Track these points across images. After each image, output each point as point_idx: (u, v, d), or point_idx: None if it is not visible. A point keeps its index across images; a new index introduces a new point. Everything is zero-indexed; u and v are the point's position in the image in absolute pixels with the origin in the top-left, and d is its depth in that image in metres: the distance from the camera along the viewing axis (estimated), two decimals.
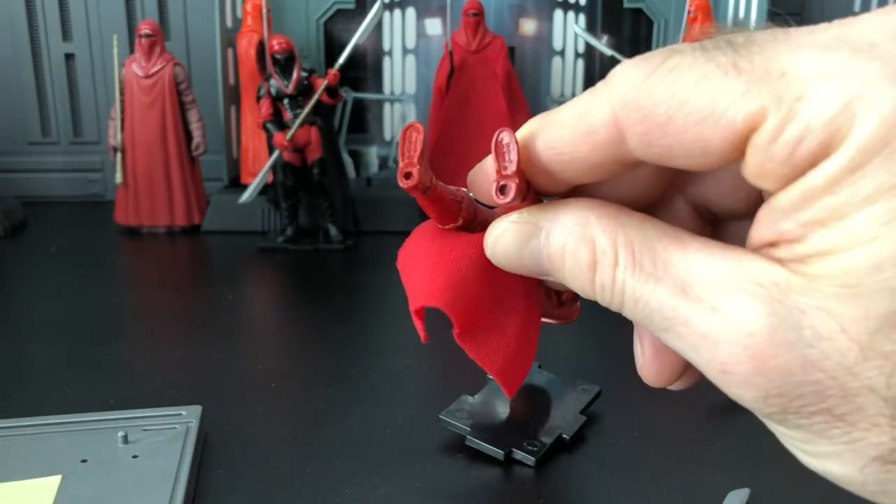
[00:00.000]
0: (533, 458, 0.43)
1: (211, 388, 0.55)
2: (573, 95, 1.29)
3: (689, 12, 1.09)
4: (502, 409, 0.48)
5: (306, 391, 0.55)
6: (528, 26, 1.29)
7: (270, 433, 0.48)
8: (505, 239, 0.19)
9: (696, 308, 0.15)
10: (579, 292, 0.18)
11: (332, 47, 1.22)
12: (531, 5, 1.28)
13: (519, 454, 0.44)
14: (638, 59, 0.16)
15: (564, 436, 0.46)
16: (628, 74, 0.16)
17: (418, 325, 0.22)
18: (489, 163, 0.19)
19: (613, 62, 1.10)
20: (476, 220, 0.22)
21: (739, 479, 0.41)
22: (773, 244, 0.15)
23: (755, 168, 0.15)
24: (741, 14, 1.20)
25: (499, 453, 0.44)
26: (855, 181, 0.13)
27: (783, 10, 1.27)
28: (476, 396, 0.49)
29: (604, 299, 0.18)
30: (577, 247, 0.18)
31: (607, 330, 0.63)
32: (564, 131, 0.17)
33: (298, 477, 0.43)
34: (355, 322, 0.70)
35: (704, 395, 0.51)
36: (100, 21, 1.20)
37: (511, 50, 1.21)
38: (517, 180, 0.18)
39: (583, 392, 0.50)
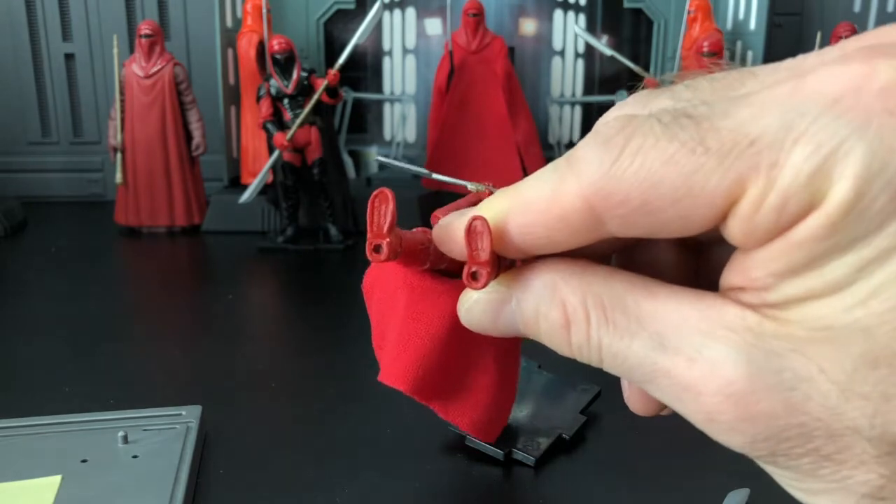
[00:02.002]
0: (533, 458, 0.43)
1: (211, 388, 0.55)
2: (573, 95, 1.29)
3: (689, 12, 1.09)
4: None
5: (306, 391, 0.55)
6: (528, 26, 1.29)
7: (270, 433, 0.48)
8: (477, 310, 0.19)
9: (674, 360, 0.16)
10: (558, 352, 0.18)
11: (332, 47, 1.23)
12: (531, 5, 1.28)
13: (519, 454, 0.44)
14: (598, 139, 0.16)
15: (564, 436, 0.46)
16: (592, 159, 0.16)
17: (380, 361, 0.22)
18: (456, 226, 0.19)
19: (613, 62, 1.10)
20: (444, 259, 0.22)
21: (739, 479, 0.41)
22: (741, 289, 0.16)
23: (739, 234, 0.15)
24: (741, 14, 1.20)
25: (499, 453, 0.44)
26: (832, 235, 0.14)
27: (783, 10, 1.27)
28: None
29: (582, 357, 0.18)
30: (548, 310, 0.18)
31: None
32: (537, 217, 0.17)
33: (298, 477, 0.43)
34: (355, 322, 0.70)
35: None
36: (100, 21, 1.20)
37: (511, 50, 1.21)
38: (488, 268, 0.18)
39: (583, 392, 0.50)
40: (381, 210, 0.19)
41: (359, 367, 0.59)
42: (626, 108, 0.17)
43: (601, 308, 0.17)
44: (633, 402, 0.21)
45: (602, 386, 0.50)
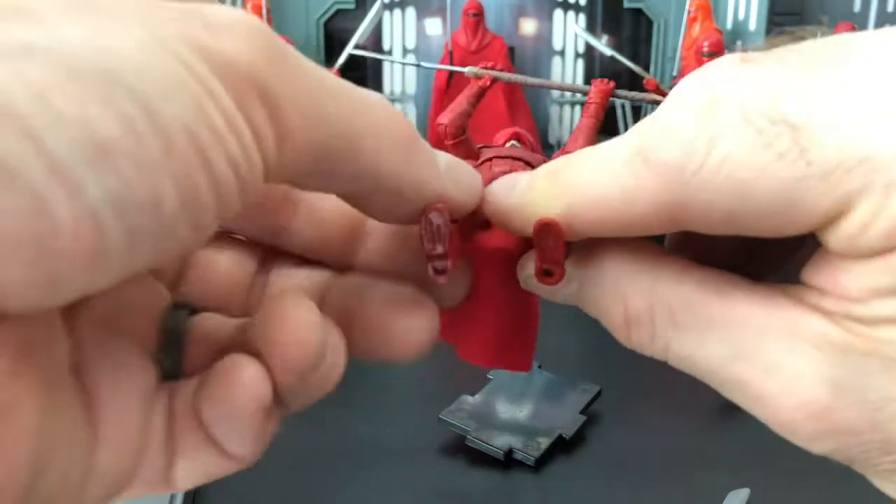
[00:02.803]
0: (533, 458, 0.43)
1: None
2: (573, 95, 1.29)
3: (689, 12, 1.09)
4: (502, 409, 0.48)
5: None
6: (528, 26, 1.29)
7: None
8: (533, 284, 0.19)
9: (749, 369, 0.15)
10: (622, 343, 0.18)
11: (333, 47, 1.23)
12: (531, 5, 1.28)
13: (519, 454, 0.44)
14: (676, 138, 0.14)
15: (564, 436, 0.46)
16: (672, 165, 0.14)
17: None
18: (514, 213, 0.18)
19: (614, 62, 1.10)
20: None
21: (739, 479, 0.41)
22: (823, 291, 0.15)
23: (839, 248, 0.14)
24: (741, 14, 1.20)
25: (499, 453, 0.44)
26: None
27: (783, 10, 1.27)
28: (476, 396, 0.49)
29: (644, 353, 0.17)
30: (609, 305, 0.17)
31: (607, 330, 0.63)
32: (606, 216, 0.16)
33: (298, 477, 0.43)
34: None
35: (704, 396, 0.50)
36: None
37: (511, 50, 1.21)
38: (562, 267, 0.17)
39: (583, 392, 0.50)
40: (435, 229, 0.17)
41: (359, 367, 0.59)
42: (709, 74, 0.15)
43: (668, 310, 0.16)
44: None
45: (602, 386, 0.50)
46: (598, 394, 0.50)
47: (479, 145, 0.24)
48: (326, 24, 1.23)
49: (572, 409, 0.48)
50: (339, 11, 1.23)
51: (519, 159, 0.23)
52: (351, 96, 0.14)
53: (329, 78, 0.14)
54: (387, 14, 1.25)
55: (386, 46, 1.27)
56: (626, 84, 1.35)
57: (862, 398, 0.14)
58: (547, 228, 0.17)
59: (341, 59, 0.93)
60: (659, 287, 0.16)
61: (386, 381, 0.56)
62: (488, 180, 0.20)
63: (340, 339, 0.17)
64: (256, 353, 0.16)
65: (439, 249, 0.17)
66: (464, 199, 0.18)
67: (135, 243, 0.11)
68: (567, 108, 1.31)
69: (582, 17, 1.27)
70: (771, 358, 0.15)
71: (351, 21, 1.22)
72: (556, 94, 1.29)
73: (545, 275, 0.17)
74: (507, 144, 0.26)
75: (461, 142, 0.24)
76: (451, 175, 0.17)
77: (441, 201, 0.17)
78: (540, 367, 0.52)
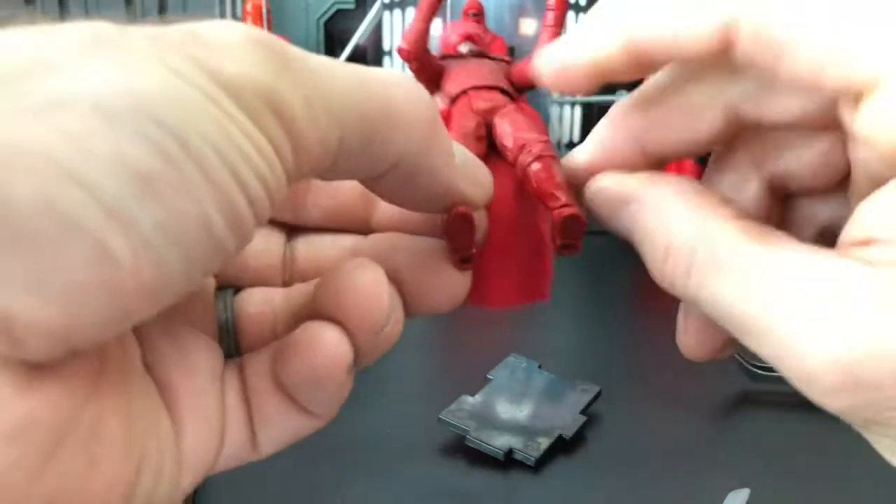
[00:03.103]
0: (533, 458, 0.43)
1: None
2: (573, 95, 1.29)
3: None
4: (502, 409, 0.48)
5: None
6: (528, 26, 1.29)
7: None
8: (602, 196, 0.19)
9: (781, 318, 0.15)
10: (651, 275, 0.18)
11: (333, 47, 1.23)
12: (531, 5, 1.28)
13: (519, 454, 0.44)
14: None
15: (564, 436, 0.46)
16: None
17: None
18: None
19: None
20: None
21: (739, 479, 0.41)
22: (866, 243, 0.15)
23: (865, 129, 0.14)
24: None
25: (499, 453, 0.44)
26: None
27: None
28: (476, 396, 0.49)
29: (675, 292, 0.17)
30: (656, 231, 0.17)
31: (607, 330, 0.63)
32: (662, 23, 0.16)
33: (298, 478, 0.43)
34: None
35: (704, 395, 0.50)
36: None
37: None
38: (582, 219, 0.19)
39: (583, 392, 0.50)
40: (466, 228, 0.18)
41: None
42: None
43: (711, 247, 0.16)
44: (686, 343, 0.20)
45: (602, 386, 0.50)
46: (598, 394, 0.50)
47: (439, 57, 0.24)
48: (326, 23, 1.23)
49: (572, 409, 0.48)
50: (339, 11, 1.23)
51: (495, 87, 0.23)
52: (363, 86, 0.15)
53: (338, 71, 0.14)
54: (387, 14, 1.25)
55: (386, 46, 1.27)
56: (627, 84, 1.35)
57: (892, 353, 0.14)
58: (573, 218, 0.18)
59: (342, 59, 0.93)
60: (707, 225, 0.16)
61: (385, 381, 0.56)
62: (472, 123, 0.21)
63: (397, 294, 0.18)
64: (329, 319, 0.17)
65: (465, 244, 0.18)
66: (476, 198, 0.18)
67: (191, 267, 0.12)
68: (567, 108, 1.31)
69: (582, 17, 1.27)
70: (806, 308, 0.14)
71: (351, 21, 1.22)
72: (556, 93, 1.30)
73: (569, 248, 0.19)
74: (461, 46, 0.26)
75: (424, 64, 0.24)
76: (464, 171, 0.18)
77: (458, 200, 0.18)
78: (540, 367, 0.52)
